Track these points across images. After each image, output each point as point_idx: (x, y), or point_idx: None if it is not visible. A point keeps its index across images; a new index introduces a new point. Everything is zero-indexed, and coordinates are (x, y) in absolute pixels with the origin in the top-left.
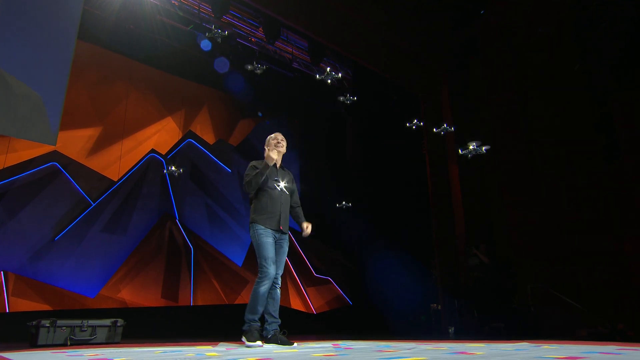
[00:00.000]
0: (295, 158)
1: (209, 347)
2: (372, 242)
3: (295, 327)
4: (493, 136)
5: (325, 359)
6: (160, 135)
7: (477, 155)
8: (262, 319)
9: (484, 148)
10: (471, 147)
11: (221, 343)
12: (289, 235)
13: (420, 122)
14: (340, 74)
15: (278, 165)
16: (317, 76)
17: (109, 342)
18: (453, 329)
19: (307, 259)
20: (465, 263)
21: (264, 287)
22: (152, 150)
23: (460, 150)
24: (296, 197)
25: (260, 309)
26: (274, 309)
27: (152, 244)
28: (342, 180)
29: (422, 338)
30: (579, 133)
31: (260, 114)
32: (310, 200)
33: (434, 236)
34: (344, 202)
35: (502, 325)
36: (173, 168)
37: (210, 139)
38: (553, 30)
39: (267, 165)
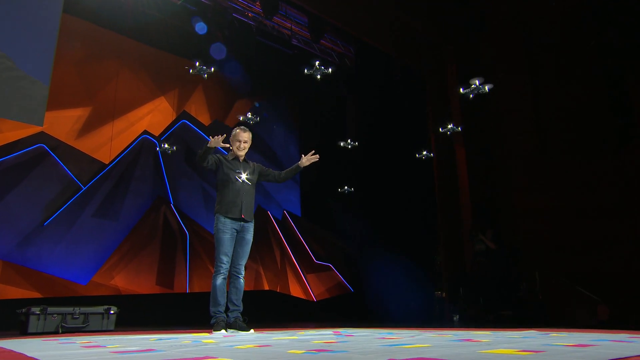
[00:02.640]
0: (294, 140)
1: (206, 334)
2: (374, 226)
3: (295, 315)
4: (502, 118)
5: (326, 345)
6: (153, 116)
7: (479, 95)
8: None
9: (487, 87)
10: (473, 85)
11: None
12: (292, 225)
13: (430, 154)
14: (330, 69)
15: (242, 159)
16: (306, 71)
17: (102, 330)
18: (458, 316)
19: (307, 244)
20: (470, 249)
21: (219, 281)
22: (145, 132)
23: (461, 89)
24: (269, 170)
25: (222, 300)
26: (237, 298)
27: (146, 229)
28: (344, 164)
29: (426, 326)
30: (592, 114)
31: (257, 104)
32: (311, 184)
33: (439, 221)
34: (345, 187)
35: (509, 313)
36: (166, 146)
37: (205, 119)
38: (566, 3)
39: (208, 149)
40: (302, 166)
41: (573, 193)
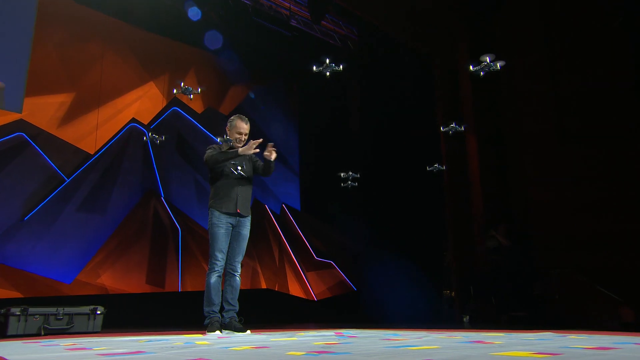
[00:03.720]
0: (293, 128)
1: (199, 336)
2: (379, 221)
3: (295, 315)
4: (516, 103)
5: (327, 347)
6: (142, 103)
7: (492, 79)
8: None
9: (499, 64)
10: (484, 63)
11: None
12: (291, 218)
13: (442, 167)
14: (341, 66)
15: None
16: (315, 68)
17: (88, 332)
18: (468, 317)
19: (307, 240)
20: (482, 246)
21: (213, 279)
22: (133, 120)
23: (471, 67)
24: (258, 162)
25: (216, 299)
26: (232, 297)
27: (135, 224)
28: (346, 153)
29: (434, 327)
30: (615, 99)
31: (252, 95)
32: (311, 176)
33: (448, 215)
34: (350, 172)
35: (523, 314)
36: (155, 135)
37: (198, 107)
38: None
39: (237, 154)
40: (268, 159)
41: (593, 184)
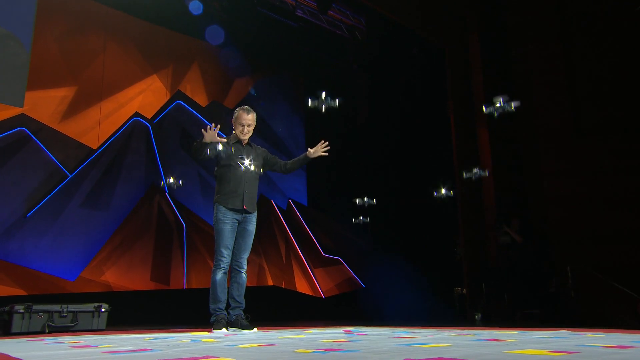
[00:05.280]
0: (298, 123)
1: (206, 333)
2: (388, 216)
3: (302, 312)
4: (531, 93)
5: (336, 345)
6: (145, 97)
7: (505, 114)
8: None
9: (513, 105)
10: (498, 104)
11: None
12: (296, 213)
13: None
14: (337, 101)
15: (244, 143)
16: (310, 102)
17: (92, 329)
18: (480, 315)
19: (314, 236)
20: (495, 241)
21: (219, 276)
22: (136, 114)
23: (484, 108)
24: (276, 159)
25: (222, 296)
26: (238, 294)
27: (139, 220)
28: (354, 146)
29: (445, 325)
30: (636, 89)
31: (253, 91)
32: (318, 169)
33: (460, 210)
34: (366, 199)
35: (537, 312)
36: (172, 181)
37: (202, 100)
38: None
39: (202, 144)
40: (310, 157)
41: (611, 178)
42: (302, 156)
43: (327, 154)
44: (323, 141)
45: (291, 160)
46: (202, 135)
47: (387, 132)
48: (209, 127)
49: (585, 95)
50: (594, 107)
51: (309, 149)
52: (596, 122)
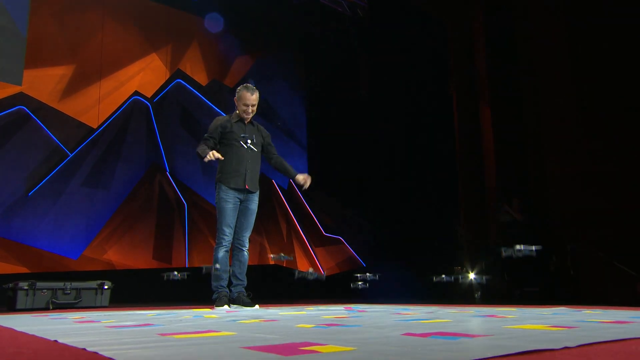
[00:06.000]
0: (300, 101)
1: (208, 310)
2: (388, 193)
3: (303, 291)
4: (534, 69)
5: (337, 320)
6: (145, 75)
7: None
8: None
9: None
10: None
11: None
12: (298, 193)
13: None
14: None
15: (247, 121)
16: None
17: (95, 306)
18: (480, 293)
19: (315, 215)
20: (495, 219)
21: (221, 254)
22: (136, 93)
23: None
24: (271, 149)
25: (224, 274)
26: (240, 271)
27: (140, 199)
28: (355, 125)
29: (445, 302)
30: None
31: (252, 81)
32: (319, 148)
33: (460, 189)
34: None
35: (537, 289)
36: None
37: (202, 79)
38: None
39: (202, 158)
40: (294, 179)
41: (613, 157)
42: (291, 171)
43: (305, 188)
44: (309, 180)
45: (281, 162)
46: (206, 151)
47: (388, 110)
48: (213, 155)
49: (589, 70)
50: (598, 82)
51: (299, 176)
52: (601, 98)
